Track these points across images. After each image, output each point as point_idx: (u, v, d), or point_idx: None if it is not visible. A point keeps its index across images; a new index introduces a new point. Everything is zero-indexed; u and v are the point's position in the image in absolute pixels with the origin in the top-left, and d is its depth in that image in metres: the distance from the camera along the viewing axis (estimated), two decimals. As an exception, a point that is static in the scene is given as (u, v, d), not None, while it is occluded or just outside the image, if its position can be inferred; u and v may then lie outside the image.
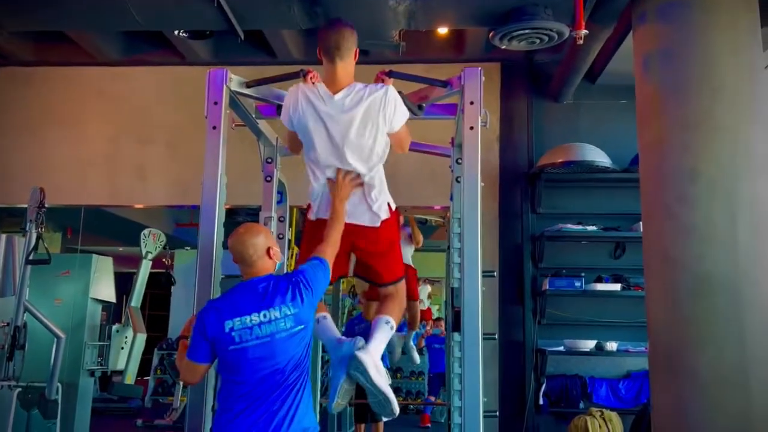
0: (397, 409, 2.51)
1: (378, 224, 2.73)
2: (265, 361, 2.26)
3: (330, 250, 2.55)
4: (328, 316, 2.78)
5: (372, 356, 2.50)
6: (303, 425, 2.27)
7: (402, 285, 2.84)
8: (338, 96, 2.60)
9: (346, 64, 2.66)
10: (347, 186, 2.67)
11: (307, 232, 2.81)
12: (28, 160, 5.65)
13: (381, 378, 2.48)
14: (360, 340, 2.56)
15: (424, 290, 10.40)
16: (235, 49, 5.28)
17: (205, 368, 2.36)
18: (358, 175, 2.69)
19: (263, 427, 2.21)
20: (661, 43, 3.44)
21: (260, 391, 2.25)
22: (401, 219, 5.92)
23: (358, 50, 2.71)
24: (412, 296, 5.50)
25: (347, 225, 2.67)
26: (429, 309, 9.77)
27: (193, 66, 5.53)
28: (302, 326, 2.31)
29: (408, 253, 5.84)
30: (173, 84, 5.69)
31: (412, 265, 5.81)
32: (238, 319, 2.27)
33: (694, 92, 3.30)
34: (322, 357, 5.84)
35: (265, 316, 2.27)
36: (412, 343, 6.62)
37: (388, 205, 2.78)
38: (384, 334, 2.65)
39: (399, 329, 5.33)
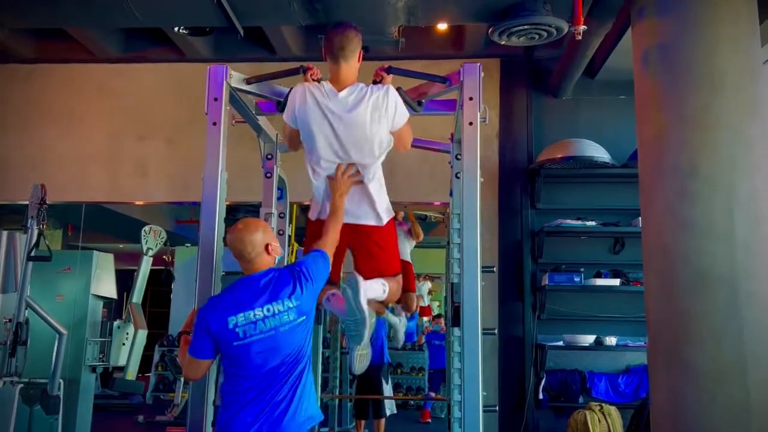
0: (366, 336, 2.69)
1: (383, 224, 2.80)
2: (270, 354, 2.29)
3: (330, 243, 2.61)
4: (338, 292, 2.84)
5: (366, 283, 2.65)
6: (308, 413, 2.33)
7: (399, 278, 2.91)
8: (342, 94, 2.68)
9: (350, 65, 2.74)
10: (346, 182, 2.72)
11: (309, 232, 2.86)
12: (29, 156, 5.66)
13: (364, 301, 2.62)
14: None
15: (425, 287, 10.44)
16: (234, 45, 5.29)
17: (208, 364, 2.39)
18: (358, 172, 2.73)
19: (269, 416, 2.25)
20: (661, 39, 3.44)
21: (266, 383, 2.29)
22: (401, 214, 5.98)
23: (362, 52, 2.79)
24: (409, 288, 5.55)
25: (349, 225, 2.74)
26: (429, 306, 9.80)
27: (192, 63, 5.53)
28: (304, 317, 2.35)
29: (407, 249, 5.89)
30: (173, 81, 5.69)
31: (410, 260, 5.84)
32: (242, 314, 2.29)
33: (694, 88, 3.30)
34: (323, 353, 5.86)
35: (268, 310, 2.30)
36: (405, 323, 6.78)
37: (389, 210, 2.86)
38: (377, 284, 2.75)
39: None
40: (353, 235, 2.78)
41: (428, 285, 10.94)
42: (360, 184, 2.75)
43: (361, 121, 2.66)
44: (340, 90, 2.69)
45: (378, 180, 2.80)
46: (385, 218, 2.82)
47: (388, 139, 2.75)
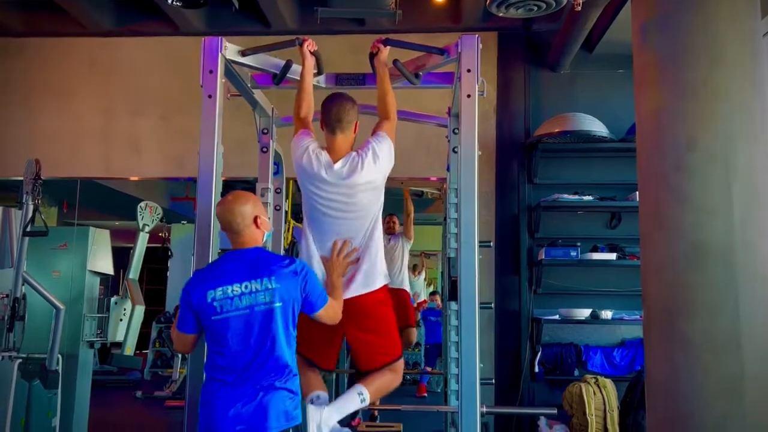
0: None
1: (376, 287, 2.69)
2: (248, 335, 2.24)
3: (335, 303, 2.51)
4: (323, 395, 2.66)
5: (321, 414, 2.43)
6: (286, 408, 2.25)
7: (399, 365, 2.77)
8: (337, 165, 2.68)
9: (347, 136, 2.74)
10: (342, 263, 2.65)
11: (304, 327, 2.47)
12: (22, 132, 5.61)
13: None
14: (323, 398, 2.57)
15: (420, 280, 10.38)
16: (229, 18, 5.21)
17: (193, 338, 2.37)
18: (354, 250, 2.67)
19: (247, 402, 2.20)
20: (659, 11, 3.40)
21: (244, 365, 2.23)
22: (398, 227, 5.91)
23: (358, 123, 2.78)
24: (408, 322, 5.48)
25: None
26: (424, 300, 9.84)
27: (186, 36, 5.46)
28: (281, 303, 2.27)
29: (406, 277, 5.79)
30: (166, 54, 5.62)
31: (407, 289, 5.78)
32: (220, 288, 2.26)
33: (692, 60, 3.27)
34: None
35: (246, 287, 2.26)
36: None
37: (383, 275, 2.74)
38: (350, 403, 2.57)
39: None
40: (345, 315, 2.59)
41: (423, 275, 10.82)
42: (355, 263, 2.67)
43: (359, 190, 2.66)
44: (336, 161, 2.68)
45: (375, 251, 2.71)
46: (379, 282, 2.71)
47: (382, 202, 2.76)
